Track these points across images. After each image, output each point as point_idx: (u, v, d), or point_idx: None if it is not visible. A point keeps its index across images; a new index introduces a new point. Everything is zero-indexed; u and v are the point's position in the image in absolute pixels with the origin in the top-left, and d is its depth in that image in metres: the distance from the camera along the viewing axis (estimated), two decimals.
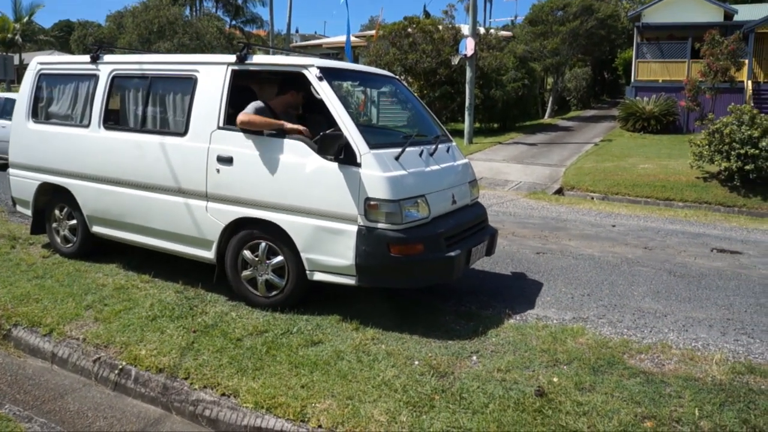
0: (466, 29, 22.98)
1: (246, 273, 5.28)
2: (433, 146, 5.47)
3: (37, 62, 6.90)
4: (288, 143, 5.01)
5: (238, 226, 5.29)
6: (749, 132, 13.21)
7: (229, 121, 5.31)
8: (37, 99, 6.72)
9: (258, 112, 5.19)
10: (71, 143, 6.31)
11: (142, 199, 5.80)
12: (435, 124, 6.12)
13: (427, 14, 30.39)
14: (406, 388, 3.86)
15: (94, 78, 6.28)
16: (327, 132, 4.85)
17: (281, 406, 3.70)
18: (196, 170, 5.41)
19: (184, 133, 5.52)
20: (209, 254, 5.48)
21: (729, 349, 4.70)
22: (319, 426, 3.54)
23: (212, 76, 5.48)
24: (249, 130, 5.13)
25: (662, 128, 24.05)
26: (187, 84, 5.61)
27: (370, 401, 3.72)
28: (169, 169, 5.58)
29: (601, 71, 43.10)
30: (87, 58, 6.45)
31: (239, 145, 5.19)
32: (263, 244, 5.18)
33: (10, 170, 6.92)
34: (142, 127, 5.88)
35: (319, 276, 5.00)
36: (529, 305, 5.52)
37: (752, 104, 20.09)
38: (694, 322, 5.31)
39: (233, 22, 47.75)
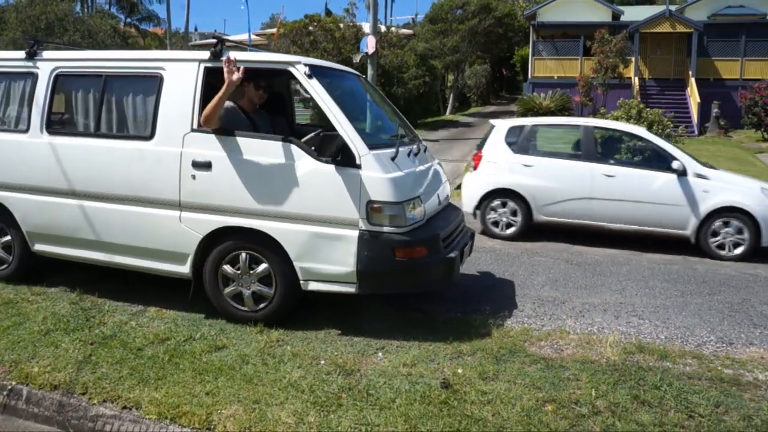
0: (367, 27, 23.07)
1: (229, 290, 4.89)
2: (415, 146, 5.34)
3: None
4: (276, 145, 4.68)
5: (217, 236, 4.86)
6: (637, 125, 13.93)
7: None
8: None
9: (228, 113, 4.88)
10: (4, 151, 5.58)
11: (99, 211, 5.20)
12: (405, 124, 5.91)
13: (328, 12, 30.43)
14: (313, 388, 3.84)
15: (32, 77, 5.56)
16: (324, 133, 4.66)
17: (186, 415, 3.59)
18: (167, 177, 4.91)
19: (149, 137, 5.00)
20: (183, 269, 5.00)
21: (622, 331, 4.95)
22: None
23: (181, 74, 5.00)
24: (214, 127, 4.77)
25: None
26: (150, 83, 5.08)
27: (277, 404, 3.67)
28: (133, 176, 5.03)
29: (499, 68, 44.38)
30: (20, 54, 5.71)
31: (218, 148, 4.76)
32: (244, 255, 4.79)
33: None
34: (96, 132, 5.25)
35: (314, 285, 4.72)
36: (433, 299, 5.61)
37: (639, 99, 21.20)
38: (590, 307, 5.56)
39: (128, 20, 45.99)
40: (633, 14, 30.90)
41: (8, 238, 5.75)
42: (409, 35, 32.94)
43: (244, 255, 4.80)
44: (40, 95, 5.48)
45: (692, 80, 26.54)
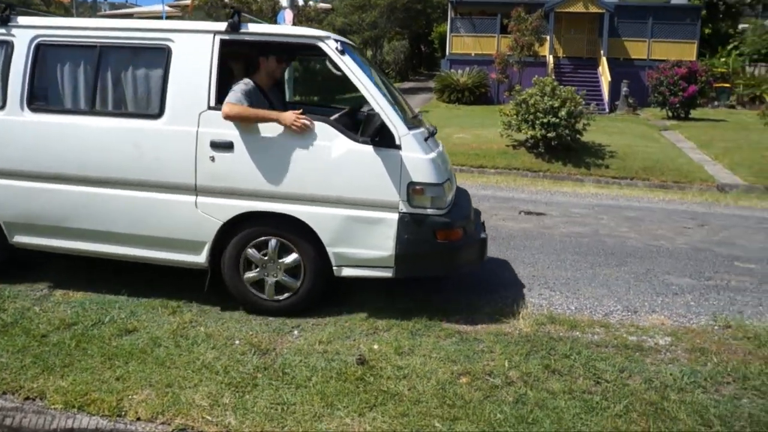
0: (284, 1, 22.68)
1: (251, 275, 4.61)
2: (430, 127, 5.20)
3: None
4: None
5: (239, 222, 4.57)
6: (551, 102, 14.29)
7: (221, 100, 4.53)
8: None
9: (248, 95, 4.51)
10: None
11: (95, 197, 4.72)
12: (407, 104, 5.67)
13: None
14: (228, 369, 3.78)
15: (5, 46, 4.90)
16: (367, 112, 4.42)
17: (95, 402, 3.46)
18: (180, 159, 4.52)
19: (158, 115, 4.59)
20: (199, 258, 4.66)
21: (534, 303, 5.10)
22: (138, 418, 3.36)
23: (194, 47, 4.60)
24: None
25: (475, 99, 25.40)
26: (155, 56, 4.65)
27: (190, 386, 3.60)
28: (138, 158, 4.60)
29: (418, 44, 44.50)
30: None
31: (240, 128, 4.45)
32: (273, 241, 4.54)
33: None
34: (92, 109, 4.75)
35: (348, 271, 4.56)
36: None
37: (553, 77, 21.69)
38: (503, 280, 5.69)
39: None
40: None
41: None
42: (327, 9, 32.58)
43: (274, 241, 4.55)
44: (18, 67, 4.84)
45: (603, 59, 27.39)
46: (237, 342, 4.16)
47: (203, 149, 4.49)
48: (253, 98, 4.55)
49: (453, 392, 3.59)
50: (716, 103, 27.23)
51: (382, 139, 4.34)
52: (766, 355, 4.30)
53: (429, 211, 4.43)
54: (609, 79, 26.10)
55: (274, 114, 4.44)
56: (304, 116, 4.37)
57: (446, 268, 4.77)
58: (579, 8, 27.90)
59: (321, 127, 4.42)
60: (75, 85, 4.84)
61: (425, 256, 4.49)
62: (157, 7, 26.06)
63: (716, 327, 4.82)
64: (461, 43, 29.55)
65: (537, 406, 3.49)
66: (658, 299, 5.38)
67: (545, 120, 14.25)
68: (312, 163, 4.41)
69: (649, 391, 3.70)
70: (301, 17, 24.95)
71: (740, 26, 37.00)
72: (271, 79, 4.97)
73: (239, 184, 4.49)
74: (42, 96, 4.93)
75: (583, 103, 15.04)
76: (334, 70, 4.69)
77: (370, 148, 4.36)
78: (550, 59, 27.45)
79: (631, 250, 7.06)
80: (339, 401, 3.47)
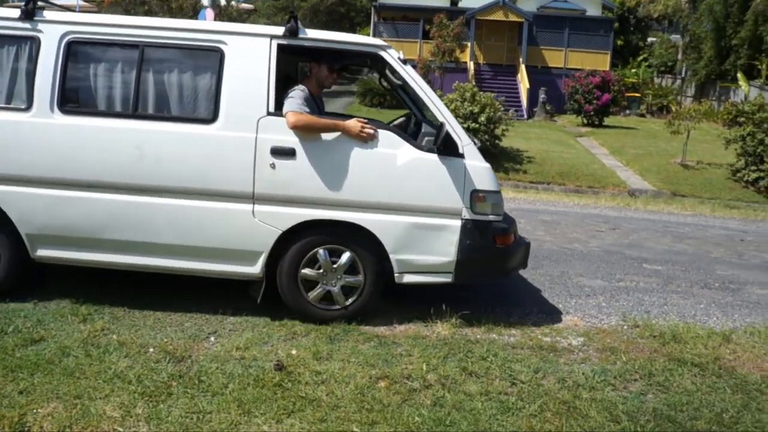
0: (206, 0, 22.28)
1: (310, 284, 4.56)
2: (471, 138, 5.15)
3: None
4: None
5: (297, 231, 4.46)
6: (471, 108, 14.59)
7: (278, 106, 4.44)
8: None
9: (306, 102, 4.47)
10: None
11: (137, 206, 4.46)
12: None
13: None
14: (141, 378, 3.66)
15: (31, 42, 4.53)
16: (441, 123, 4.43)
17: None
18: (237, 166, 4.38)
19: (211, 120, 4.42)
20: (253, 269, 4.51)
21: (451, 306, 5.07)
22: None
23: (250, 50, 4.47)
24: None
25: (397, 103, 25.56)
26: (207, 58, 4.50)
27: (101, 397, 3.46)
28: (188, 165, 4.41)
29: None
30: (10, 12, 4.63)
31: (302, 135, 4.38)
32: (335, 250, 4.51)
33: None
34: (134, 112, 4.47)
35: (409, 278, 4.58)
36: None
37: (474, 83, 22.16)
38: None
39: None
40: (470, 1, 32.19)
41: None
42: (250, 10, 32.26)
43: (334, 252, 4.52)
44: (48, 66, 4.46)
45: (522, 67, 28.18)
46: (151, 350, 4.04)
47: (263, 156, 4.37)
48: (309, 106, 4.51)
49: (371, 396, 3.59)
50: (628, 111, 28.45)
51: (446, 147, 4.43)
52: (670, 352, 4.52)
53: (490, 217, 4.58)
54: (528, 86, 26.88)
55: (339, 123, 4.43)
56: (368, 125, 4.42)
57: (500, 272, 4.93)
58: (499, 16, 28.62)
59: (385, 135, 4.47)
60: (114, 85, 4.56)
61: (484, 261, 4.62)
62: (72, 1, 25.05)
63: (625, 327, 5.04)
64: None
65: (454, 408, 3.54)
66: (572, 301, 5.57)
67: (465, 125, 14.50)
68: (376, 171, 4.43)
69: (562, 390, 3.82)
70: (223, 17, 24.56)
71: (649, 39, 38.88)
72: (320, 87, 4.94)
73: (301, 192, 4.42)
74: (75, 97, 4.58)
75: (503, 109, 15.42)
76: (395, 79, 4.78)
77: (435, 156, 4.45)
78: (471, 65, 28.03)
79: (546, 253, 7.27)
80: (256, 408, 3.42)
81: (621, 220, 10.36)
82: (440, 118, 4.48)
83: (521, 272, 6.31)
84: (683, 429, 3.51)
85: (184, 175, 4.42)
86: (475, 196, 4.50)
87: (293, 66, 5.64)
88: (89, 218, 4.50)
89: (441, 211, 4.50)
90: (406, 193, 4.46)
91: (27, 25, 4.52)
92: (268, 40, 4.50)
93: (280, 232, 4.44)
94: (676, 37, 37.37)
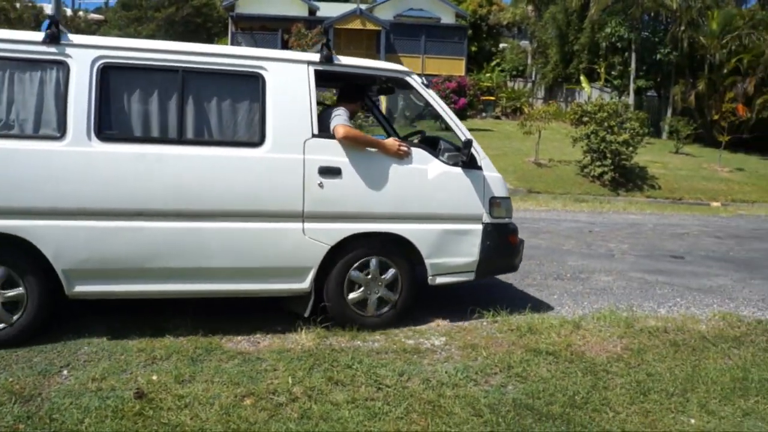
0: (49, 9, 21.02)
1: (354, 295, 4.87)
2: None
3: None
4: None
5: (342, 245, 4.73)
6: None
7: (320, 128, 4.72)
8: None
9: (349, 120, 4.87)
10: (19, 165, 4.15)
11: (187, 232, 4.42)
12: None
13: None
14: None
15: (59, 67, 4.26)
16: (467, 139, 4.97)
17: None
18: (287, 186, 4.56)
19: (258, 144, 4.53)
20: (303, 285, 4.72)
21: (313, 317, 4.93)
22: None
23: (289, 76, 4.67)
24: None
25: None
26: (248, 83, 4.59)
27: None
28: (238, 188, 4.47)
29: None
30: (33, 35, 4.33)
31: (347, 154, 4.68)
32: (374, 260, 4.88)
33: None
34: (180, 138, 4.41)
35: (440, 279, 5.08)
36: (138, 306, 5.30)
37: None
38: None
39: None
40: (328, 10, 32.46)
41: (19, 291, 4.28)
42: (100, 21, 30.77)
43: (375, 260, 4.88)
44: (81, 92, 4.25)
45: None
46: None
47: (311, 176, 4.60)
48: (352, 125, 4.89)
49: (237, 415, 3.52)
50: (484, 114, 29.74)
51: (469, 161, 5.00)
52: (527, 343, 4.77)
53: (505, 220, 5.24)
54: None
55: (380, 141, 4.87)
56: (403, 143, 4.89)
57: (511, 268, 5.57)
58: (357, 25, 29.06)
59: (417, 152, 4.95)
60: (155, 111, 4.45)
61: (499, 258, 5.27)
62: None
63: (485, 323, 5.26)
64: None
65: (322, 419, 3.53)
66: (434, 301, 5.72)
67: None
68: (412, 185, 4.89)
69: (427, 390, 3.91)
70: (71, 28, 23.25)
71: (501, 45, 40.89)
72: (353, 114, 5.24)
73: (347, 208, 4.73)
74: (113, 123, 4.40)
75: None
76: (417, 101, 5.29)
77: (459, 169, 5.01)
78: None
79: None
80: None
81: None
82: (459, 135, 5.07)
83: None
84: (540, 414, 3.70)
85: (234, 198, 4.49)
86: (493, 203, 5.13)
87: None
88: (136, 248, 4.38)
89: (466, 218, 5.08)
90: (438, 203, 4.97)
91: (53, 50, 4.30)
92: (306, 65, 4.76)
93: (329, 247, 4.71)
94: (525, 43, 39.62)
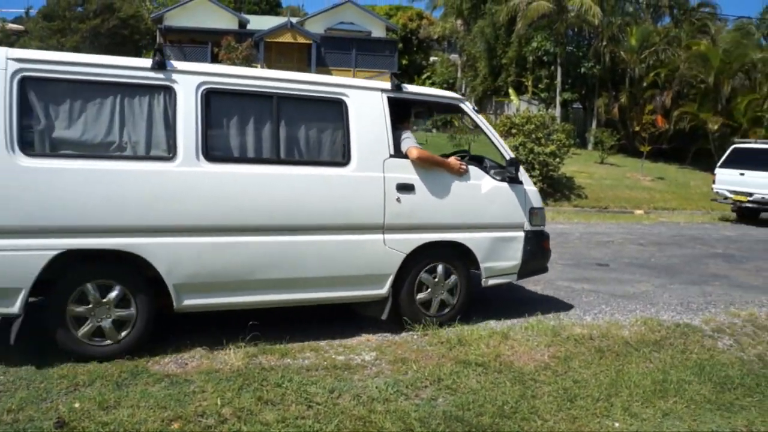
0: None
1: (421, 296, 5.48)
2: None
3: (11, 58, 4.18)
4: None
5: (415, 253, 5.31)
6: None
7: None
8: (25, 118, 4.18)
9: (416, 143, 5.45)
10: (132, 184, 4.36)
11: (288, 245, 4.86)
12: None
13: None
14: None
15: (166, 92, 4.55)
16: (512, 158, 5.82)
17: None
18: (370, 201, 5.11)
19: (345, 163, 5.07)
20: (381, 290, 5.28)
21: (242, 335, 4.87)
22: None
23: (367, 102, 5.23)
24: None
25: None
26: (332, 108, 5.12)
27: None
28: (330, 204, 4.97)
29: None
30: (141, 62, 4.61)
31: (417, 172, 5.31)
32: (440, 266, 5.50)
33: None
34: (278, 158, 4.85)
35: (491, 281, 5.79)
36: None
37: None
38: (212, 319, 5.58)
39: None
40: (258, 23, 32.28)
41: (131, 311, 4.50)
42: (19, 31, 29.70)
43: (441, 266, 5.52)
44: (188, 115, 4.54)
45: None
46: None
47: (390, 192, 5.18)
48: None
49: None
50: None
51: (514, 177, 5.76)
52: (456, 355, 4.83)
53: (541, 227, 6.02)
54: None
55: (445, 161, 5.53)
56: (463, 162, 5.56)
57: (543, 269, 6.33)
58: (288, 38, 29.01)
59: (473, 170, 5.64)
60: (254, 133, 4.82)
61: (536, 261, 6.01)
62: None
63: (415, 336, 5.29)
64: None
65: None
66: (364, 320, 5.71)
67: None
68: (470, 198, 5.59)
69: (357, 406, 3.92)
70: None
71: (431, 59, 41.46)
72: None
73: (420, 220, 5.35)
74: (217, 145, 4.72)
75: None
76: (469, 126, 5.56)
77: (505, 184, 5.76)
78: None
79: None
80: None
81: None
82: (505, 155, 5.85)
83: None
84: (471, 426, 3.75)
85: (326, 213, 4.96)
86: (533, 212, 5.91)
87: None
88: (239, 261, 4.72)
89: (512, 226, 5.81)
90: (491, 214, 5.69)
91: (160, 75, 4.56)
92: (380, 93, 5.33)
93: (404, 255, 5.28)
94: (455, 57, 40.27)
